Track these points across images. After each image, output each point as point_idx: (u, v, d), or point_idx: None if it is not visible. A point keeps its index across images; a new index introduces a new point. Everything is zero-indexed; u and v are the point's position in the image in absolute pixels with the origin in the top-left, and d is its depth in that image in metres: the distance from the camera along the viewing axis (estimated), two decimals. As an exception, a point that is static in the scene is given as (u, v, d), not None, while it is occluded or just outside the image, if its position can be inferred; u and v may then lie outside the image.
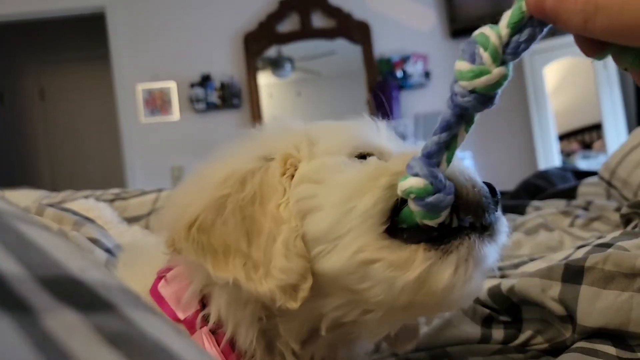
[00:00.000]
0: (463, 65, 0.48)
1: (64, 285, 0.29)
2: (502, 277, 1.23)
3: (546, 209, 2.00)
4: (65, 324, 0.26)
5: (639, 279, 0.75)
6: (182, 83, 5.44)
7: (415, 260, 0.55)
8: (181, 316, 0.64)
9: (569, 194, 2.25)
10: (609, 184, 1.65)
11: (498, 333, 0.89)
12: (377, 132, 0.71)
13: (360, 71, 5.55)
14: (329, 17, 5.53)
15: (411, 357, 0.86)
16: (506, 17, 0.47)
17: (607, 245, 0.85)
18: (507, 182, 3.75)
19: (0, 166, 6.63)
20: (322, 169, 0.62)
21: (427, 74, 5.52)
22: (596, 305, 0.77)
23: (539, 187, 2.58)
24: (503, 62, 0.47)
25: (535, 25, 0.46)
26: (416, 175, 0.52)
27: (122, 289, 0.33)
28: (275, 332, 0.62)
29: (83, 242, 1.08)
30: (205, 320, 0.63)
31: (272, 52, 5.62)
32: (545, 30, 0.47)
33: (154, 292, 0.67)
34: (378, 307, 0.58)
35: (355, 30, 5.51)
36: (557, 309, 0.82)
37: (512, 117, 5.42)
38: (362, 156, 0.64)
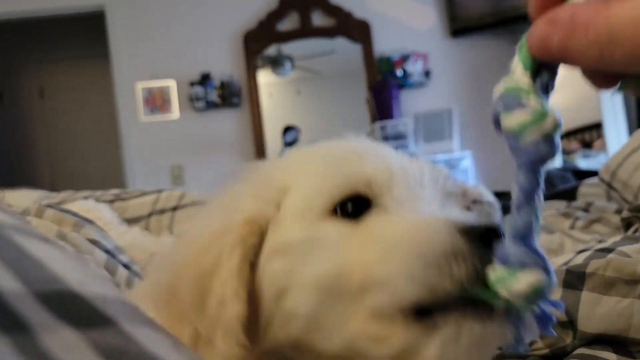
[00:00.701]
0: (516, 117, 0.43)
1: (62, 301, 0.29)
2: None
3: (547, 211, 2.00)
4: (63, 342, 0.26)
5: None
6: (182, 82, 5.43)
7: (391, 336, 0.48)
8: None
9: (570, 194, 2.25)
10: (610, 185, 1.65)
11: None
12: (371, 159, 0.58)
13: (360, 70, 5.54)
14: (329, 16, 5.53)
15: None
16: (518, 64, 0.44)
17: (608, 250, 0.85)
18: (507, 182, 3.74)
19: (-1, 165, 6.65)
20: (291, 239, 0.55)
21: (427, 73, 5.51)
22: (597, 311, 0.77)
23: (539, 188, 2.58)
24: (540, 95, 0.43)
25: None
26: (524, 266, 0.42)
27: (121, 302, 0.33)
28: None
29: (83, 243, 1.08)
30: None
31: (272, 50, 5.61)
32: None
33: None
34: None
35: (355, 29, 5.50)
36: (558, 314, 0.81)
37: (512, 117, 5.40)
38: (346, 203, 0.55)
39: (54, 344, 0.26)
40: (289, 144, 5.20)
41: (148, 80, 5.41)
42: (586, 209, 1.84)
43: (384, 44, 5.53)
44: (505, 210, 2.17)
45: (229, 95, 5.42)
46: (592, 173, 2.44)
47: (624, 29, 0.34)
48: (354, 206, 0.54)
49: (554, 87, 0.44)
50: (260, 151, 5.37)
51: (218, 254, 0.55)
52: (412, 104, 5.45)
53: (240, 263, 0.54)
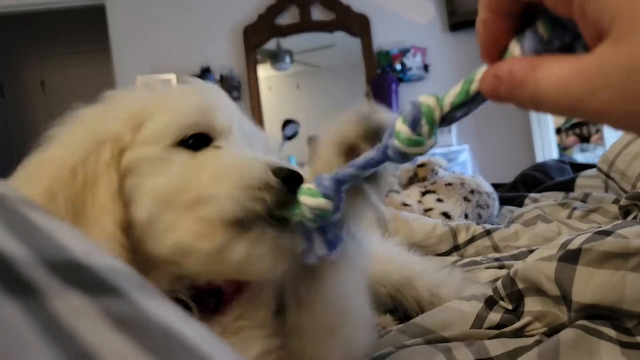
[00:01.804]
0: (404, 130, 0.53)
1: (70, 269, 0.29)
2: (500, 267, 1.24)
3: (544, 201, 2.01)
4: (72, 306, 0.26)
5: (633, 259, 0.76)
6: (182, 75, 5.40)
7: (212, 234, 0.62)
8: None
9: (567, 186, 2.25)
10: (607, 176, 1.66)
11: (495, 316, 0.89)
12: (217, 108, 0.73)
13: (359, 64, 5.54)
14: (329, 10, 5.52)
15: (408, 344, 0.86)
16: (452, 95, 0.51)
17: (607, 233, 0.86)
18: (504, 175, 3.76)
19: (0, 158, 6.62)
20: (141, 161, 0.67)
21: (426, 67, 5.51)
22: (590, 283, 0.78)
23: (536, 180, 2.58)
24: (435, 132, 0.53)
25: (474, 103, 0.50)
26: (326, 196, 0.59)
27: (129, 273, 0.33)
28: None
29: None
30: None
31: (271, 44, 5.60)
32: (480, 105, 0.51)
33: None
34: (198, 277, 0.67)
35: (355, 23, 5.49)
36: (552, 288, 0.83)
37: (510, 110, 5.40)
38: (191, 138, 0.69)
39: (63, 308, 0.26)
40: (288, 138, 5.19)
41: (148, 74, 5.40)
42: (584, 199, 1.85)
43: (383, 38, 5.52)
44: (502, 200, 2.18)
45: (228, 89, 5.40)
46: (590, 166, 2.45)
47: (549, 92, 0.40)
48: (196, 141, 0.69)
49: (470, 113, 0.53)
50: (259, 145, 5.36)
51: (93, 170, 0.66)
52: (410, 97, 5.33)
53: (114, 178, 0.66)
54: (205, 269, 0.64)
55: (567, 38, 0.42)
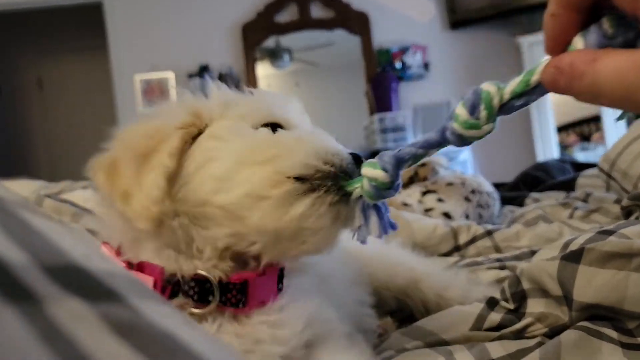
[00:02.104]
0: (463, 113, 0.56)
1: (69, 274, 0.28)
2: (502, 268, 1.24)
3: (545, 201, 2.00)
4: (71, 312, 0.26)
5: (636, 259, 0.76)
6: (180, 73, 5.42)
7: (284, 183, 0.67)
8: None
9: (568, 185, 2.25)
10: (609, 175, 1.65)
11: (495, 316, 0.89)
12: (286, 106, 0.80)
13: (359, 62, 5.54)
14: (328, 8, 5.52)
15: (408, 347, 0.86)
16: (513, 85, 0.53)
17: (610, 232, 0.86)
18: (505, 173, 3.76)
19: (-2, 156, 6.64)
20: (228, 129, 0.73)
21: (426, 65, 5.51)
22: (592, 282, 0.78)
23: (537, 179, 2.59)
24: (494, 118, 0.56)
25: (534, 94, 0.52)
26: (385, 169, 0.64)
27: (128, 277, 0.33)
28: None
29: (79, 230, 1.08)
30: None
31: (270, 42, 5.60)
32: (541, 96, 0.53)
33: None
34: (257, 237, 0.69)
35: (354, 21, 5.49)
36: (554, 288, 0.82)
37: (510, 109, 5.41)
38: (268, 125, 0.75)
39: (62, 314, 0.25)
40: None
41: (146, 72, 5.40)
42: (585, 199, 1.84)
43: (383, 36, 5.52)
44: (503, 200, 2.18)
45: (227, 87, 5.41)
46: (591, 166, 2.45)
47: (607, 82, 0.41)
48: (273, 130, 0.75)
49: (530, 103, 0.55)
50: (258, 143, 5.37)
51: (166, 132, 0.72)
52: (410, 96, 5.45)
53: (180, 139, 0.71)
54: (267, 223, 0.68)
55: (631, 35, 0.44)
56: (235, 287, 0.71)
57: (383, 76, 5.36)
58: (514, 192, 2.49)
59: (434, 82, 5.52)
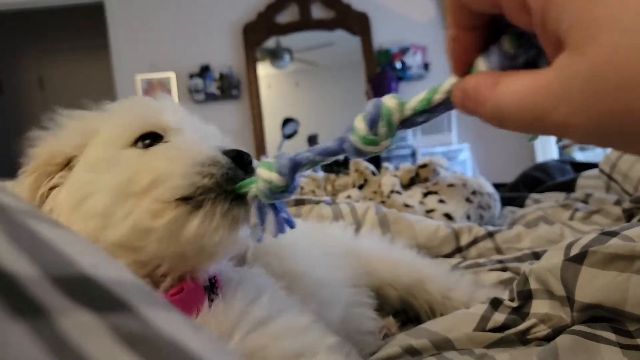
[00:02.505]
0: (361, 128, 0.54)
1: (78, 285, 0.28)
2: (504, 270, 1.24)
3: (545, 202, 2.00)
4: (80, 325, 0.26)
5: (638, 262, 0.76)
6: (181, 73, 5.43)
7: (166, 211, 0.65)
8: None
9: (568, 186, 2.25)
10: (610, 177, 1.65)
11: (499, 316, 0.89)
12: (160, 110, 0.78)
13: (359, 62, 5.54)
14: (328, 8, 5.52)
15: (414, 345, 0.86)
16: (415, 101, 0.51)
17: (613, 234, 0.86)
18: (504, 173, 3.75)
19: (-2, 156, 6.63)
20: (99, 159, 0.72)
21: (426, 66, 5.51)
22: (594, 283, 0.78)
23: (537, 180, 2.58)
24: (393, 134, 0.54)
25: (436, 112, 0.51)
26: (280, 173, 0.62)
27: (136, 285, 0.32)
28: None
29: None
30: None
31: (271, 42, 5.60)
32: (442, 114, 0.52)
33: None
34: (159, 261, 0.68)
35: (355, 21, 5.49)
36: (558, 288, 0.82)
37: (511, 109, 5.41)
38: (146, 136, 0.73)
39: (71, 327, 0.25)
40: (288, 136, 5.19)
41: (147, 72, 5.40)
42: (585, 200, 1.84)
43: (383, 36, 5.52)
44: (503, 200, 2.17)
45: (228, 87, 5.42)
46: (591, 166, 2.44)
47: (510, 107, 0.39)
48: (151, 141, 0.73)
49: (429, 120, 0.54)
50: (259, 143, 5.38)
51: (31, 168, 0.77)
52: (410, 96, 5.42)
53: (33, 181, 0.75)
54: (164, 249, 0.67)
55: (532, 53, 0.42)
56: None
57: (383, 76, 5.36)
58: (514, 192, 2.49)
59: (433, 82, 5.41)
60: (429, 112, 0.51)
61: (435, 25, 5.57)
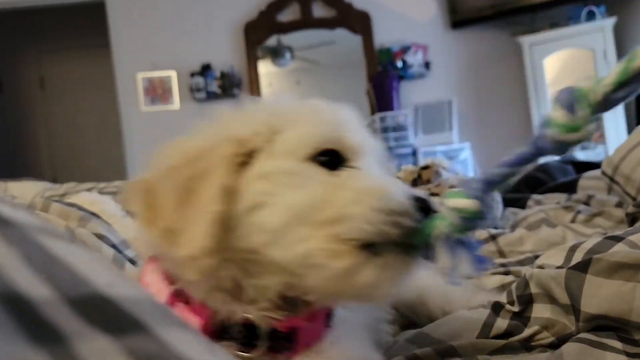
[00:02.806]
0: (559, 115, 0.50)
1: (94, 306, 0.28)
2: (506, 273, 1.24)
3: (547, 204, 2.00)
4: (97, 349, 0.26)
5: None
6: (182, 72, 5.42)
7: (346, 254, 0.62)
8: (164, 296, 0.69)
9: (570, 187, 2.25)
10: (612, 179, 1.65)
11: (502, 322, 0.89)
12: (348, 125, 0.74)
13: (360, 61, 5.54)
14: (330, 7, 5.51)
15: (418, 354, 0.86)
16: (611, 76, 0.48)
17: (618, 239, 0.86)
18: (507, 174, 3.74)
19: (0, 154, 6.63)
20: (277, 171, 0.67)
21: (427, 65, 5.50)
22: (599, 293, 0.78)
23: (539, 180, 2.58)
24: (594, 117, 0.50)
25: (635, 83, 0.47)
26: (473, 197, 0.58)
27: (151, 303, 0.33)
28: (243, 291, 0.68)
29: (90, 239, 1.09)
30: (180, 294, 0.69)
31: (272, 41, 5.60)
32: None
33: (142, 281, 0.73)
34: (312, 291, 0.66)
35: (356, 20, 5.49)
36: (562, 296, 0.82)
37: (511, 108, 5.42)
38: (325, 153, 0.69)
39: (89, 352, 0.25)
40: (289, 135, 5.19)
41: (148, 71, 5.40)
42: (587, 202, 1.84)
43: (384, 35, 5.52)
44: (505, 201, 2.17)
45: (229, 86, 5.41)
46: (593, 166, 2.44)
47: None
48: (329, 159, 0.69)
49: (632, 95, 0.49)
50: (260, 142, 5.37)
51: (209, 163, 0.67)
52: (411, 95, 5.45)
53: (227, 173, 0.66)
54: (326, 285, 0.65)
55: None
56: (284, 336, 0.68)
57: (384, 75, 5.36)
58: (515, 193, 2.49)
59: (434, 81, 5.52)
60: (629, 84, 0.48)
61: (436, 24, 5.56)
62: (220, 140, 0.70)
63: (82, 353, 0.25)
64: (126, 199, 0.71)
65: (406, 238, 0.62)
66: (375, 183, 0.66)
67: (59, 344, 0.25)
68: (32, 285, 0.27)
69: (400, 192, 0.64)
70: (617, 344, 0.74)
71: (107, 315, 0.29)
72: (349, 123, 0.74)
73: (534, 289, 0.89)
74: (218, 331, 0.67)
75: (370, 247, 0.62)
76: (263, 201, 0.65)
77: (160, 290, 0.69)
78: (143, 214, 0.67)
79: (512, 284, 0.96)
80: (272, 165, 0.68)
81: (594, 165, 2.29)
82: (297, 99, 0.80)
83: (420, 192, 0.66)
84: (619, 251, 0.80)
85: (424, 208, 0.63)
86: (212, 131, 0.74)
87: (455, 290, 1.15)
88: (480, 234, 1.55)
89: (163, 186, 0.67)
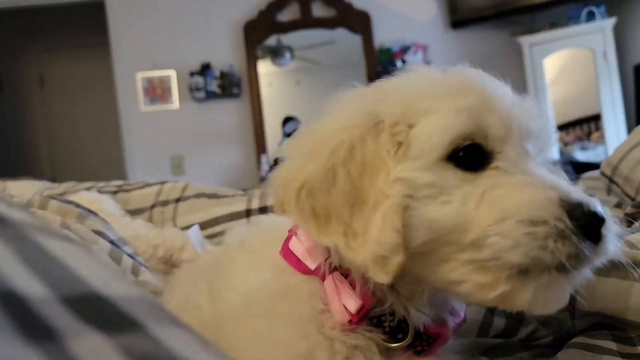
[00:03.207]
0: None
1: (88, 305, 0.28)
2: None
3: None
4: (92, 347, 0.26)
5: None
6: (182, 72, 5.42)
7: (498, 284, 0.57)
8: (312, 266, 0.69)
9: (569, 188, 2.24)
10: (611, 180, 1.65)
11: (499, 321, 0.89)
12: (492, 102, 0.64)
13: (360, 61, 5.53)
14: (329, 7, 5.50)
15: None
16: None
17: None
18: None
19: (-1, 153, 6.63)
20: (412, 181, 0.61)
21: (427, 64, 5.49)
22: (595, 291, 0.78)
23: (539, 181, 2.58)
24: None
25: None
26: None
27: (145, 301, 0.33)
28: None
29: (87, 234, 1.08)
30: (334, 266, 0.67)
31: (272, 41, 5.59)
32: None
33: (285, 249, 0.71)
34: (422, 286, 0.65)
35: (356, 20, 5.48)
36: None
37: (511, 108, 5.41)
38: (463, 148, 0.61)
39: (83, 351, 0.25)
40: (289, 135, 5.19)
41: (148, 70, 5.39)
42: (586, 202, 1.84)
43: (384, 35, 5.51)
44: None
45: (228, 86, 5.41)
46: (590, 165, 2.44)
47: None
48: (469, 154, 0.61)
49: None
50: (260, 141, 5.37)
51: (373, 154, 0.62)
52: (411, 95, 5.43)
53: (394, 162, 0.62)
54: (481, 302, 0.63)
55: None
56: (428, 340, 0.69)
57: (384, 75, 5.34)
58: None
59: (435, 81, 5.51)
60: None
61: (436, 24, 5.56)
62: (372, 123, 0.65)
63: (76, 351, 0.25)
64: (276, 199, 0.67)
65: (568, 261, 0.56)
66: (522, 194, 0.58)
67: (53, 342, 0.25)
68: (28, 283, 0.27)
69: (554, 205, 0.56)
70: (612, 345, 0.74)
71: (102, 313, 0.29)
72: (491, 103, 0.64)
73: None
74: (370, 316, 0.67)
75: (524, 272, 0.57)
76: (406, 205, 0.60)
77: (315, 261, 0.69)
78: (309, 221, 0.63)
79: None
80: (405, 171, 0.61)
81: (593, 166, 2.29)
82: (438, 72, 0.72)
83: (592, 199, 0.58)
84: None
85: (590, 228, 0.56)
86: (354, 112, 0.68)
87: None
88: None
89: (328, 187, 0.62)
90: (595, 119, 5.30)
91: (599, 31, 5.05)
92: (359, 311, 0.65)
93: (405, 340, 0.67)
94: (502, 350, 0.86)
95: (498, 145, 0.62)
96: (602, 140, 5.12)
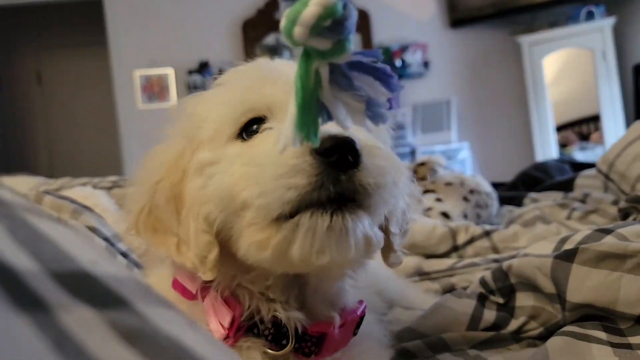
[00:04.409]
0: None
1: (77, 280, 0.29)
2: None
3: (543, 201, 2.01)
4: (81, 320, 0.26)
5: (630, 260, 0.76)
6: (180, 70, 5.42)
7: (269, 240, 0.60)
8: (193, 290, 0.70)
9: (566, 186, 2.26)
10: (607, 177, 1.66)
11: (489, 314, 0.89)
12: (271, 79, 0.68)
13: (358, 60, 5.53)
14: (329, 5, 5.51)
15: (408, 347, 0.86)
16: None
17: (608, 231, 0.86)
18: (504, 172, 3.76)
19: (-3, 151, 6.62)
20: (202, 166, 0.66)
21: (426, 64, 5.50)
22: (586, 283, 0.78)
23: (536, 179, 2.59)
24: None
25: None
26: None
27: (134, 282, 0.33)
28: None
29: (82, 230, 1.08)
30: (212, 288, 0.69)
31: (270, 39, 5.59)
32: None
33: (174, 280, 0.73)
34: (272, 277, 0.66)
35: (354, 19, 5.48)
36: (548, 286, 0.83)
37: (510, 108, 5.42)
38: (253, 120, 0.66)
39: (72, 322, 0.26)
40: (286, 133, 5.19)
41: (146, 68, 5.39)
42: (583, 200, 1.85)
43: (383, 34, 5.52)
44: (502, 199, 2.17)
45: (227, 84, 5.40)
46: (589, 166, 2.45)
47: None
48: (258, 126, 0.66)
49: None
50: (257, 140, 5.38)
51: (186, 164, 0.68)
52: (410, 94, 5.44)
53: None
54: (282, 268, 0.64)
55: None
56: (312, 340, 0.68)
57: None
58: (512, 192, 2.50)
59: (433, 80, 5.52)
60: None
61: (435, 23, 5.57)
62: (179, 142, 0.71)
63: (66, 323, 0.25)
64: (135, 232, 0.71)
65: (318, 195, 0.57)
66: (270, 148, 0.59)
67: (44, 313, 0.25)
68: (19, 259, 0.27)
69: (292, 150, 0.56)
70: (602, 335, 0.75)
71: (91, 289, 0.29)
72: (265, 80, 0.68)
73: (513, 279, 0.89)
74: (247, 327, 0.68)
75: (287, 218, 0.59)
76: (203, 197, 0.65)
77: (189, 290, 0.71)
78: (152, 237, 0.69)
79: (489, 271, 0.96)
80: (199, 158, 0.67)
81: (591, 167, 2.30)
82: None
83: (335, 128, 0.55)
84: (605, 241, 0.81)
85: (337, 154, 0.56)
86: (176, 132, 0.74)
87: (410, 288, 1.17)
88: (473, 227, 1.55)
89: (155, 203, 0.68)
90: (595, 119, 5.31)
91: (598, 31, 5.06)
92: (232, 324, 0.66)
93: (289, 345, 0.67)
94: (493, 344, 0.86)
95: (276, 112, 0.66)
96: (601, 140, 5.14)
